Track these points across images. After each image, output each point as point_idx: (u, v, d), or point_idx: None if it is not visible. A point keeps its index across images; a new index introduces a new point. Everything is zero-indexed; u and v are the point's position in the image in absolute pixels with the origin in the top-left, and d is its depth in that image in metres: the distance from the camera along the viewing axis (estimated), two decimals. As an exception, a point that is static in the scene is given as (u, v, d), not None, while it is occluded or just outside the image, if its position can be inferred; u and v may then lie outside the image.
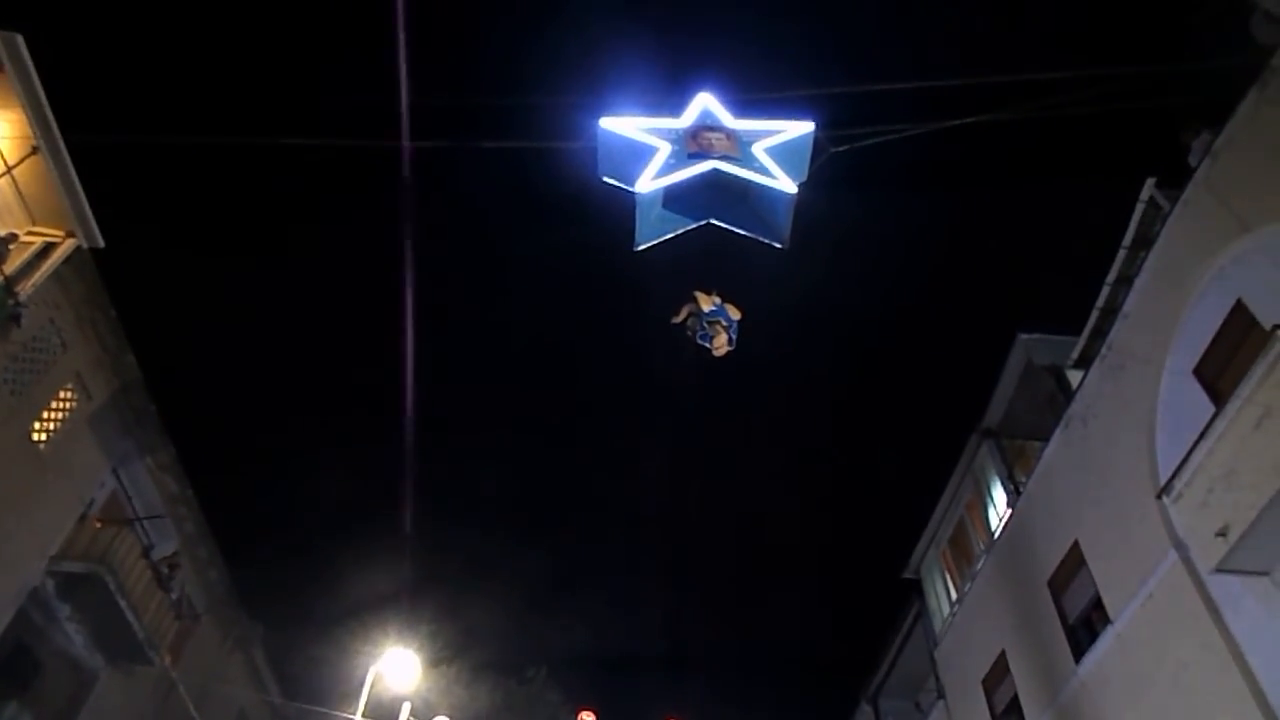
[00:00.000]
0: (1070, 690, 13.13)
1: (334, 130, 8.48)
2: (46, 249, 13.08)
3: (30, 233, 12.98)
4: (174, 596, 17.12)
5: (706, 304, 8.51)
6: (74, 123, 12.06)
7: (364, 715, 15.71)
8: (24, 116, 11.83)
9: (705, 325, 8.51)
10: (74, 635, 15.51)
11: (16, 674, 14.79)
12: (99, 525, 15.54)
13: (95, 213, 13.12)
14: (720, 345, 8.51)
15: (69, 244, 13.19)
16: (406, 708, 15.66)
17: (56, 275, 13.26)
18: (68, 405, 14.54)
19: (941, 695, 18.05)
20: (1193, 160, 11.40)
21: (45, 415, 14.12)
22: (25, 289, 12.60)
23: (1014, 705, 15.10)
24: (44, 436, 14.09)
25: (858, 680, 22.85)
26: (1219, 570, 9.61)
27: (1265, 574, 9.48)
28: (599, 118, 7.12)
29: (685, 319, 8.56)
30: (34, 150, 12.15)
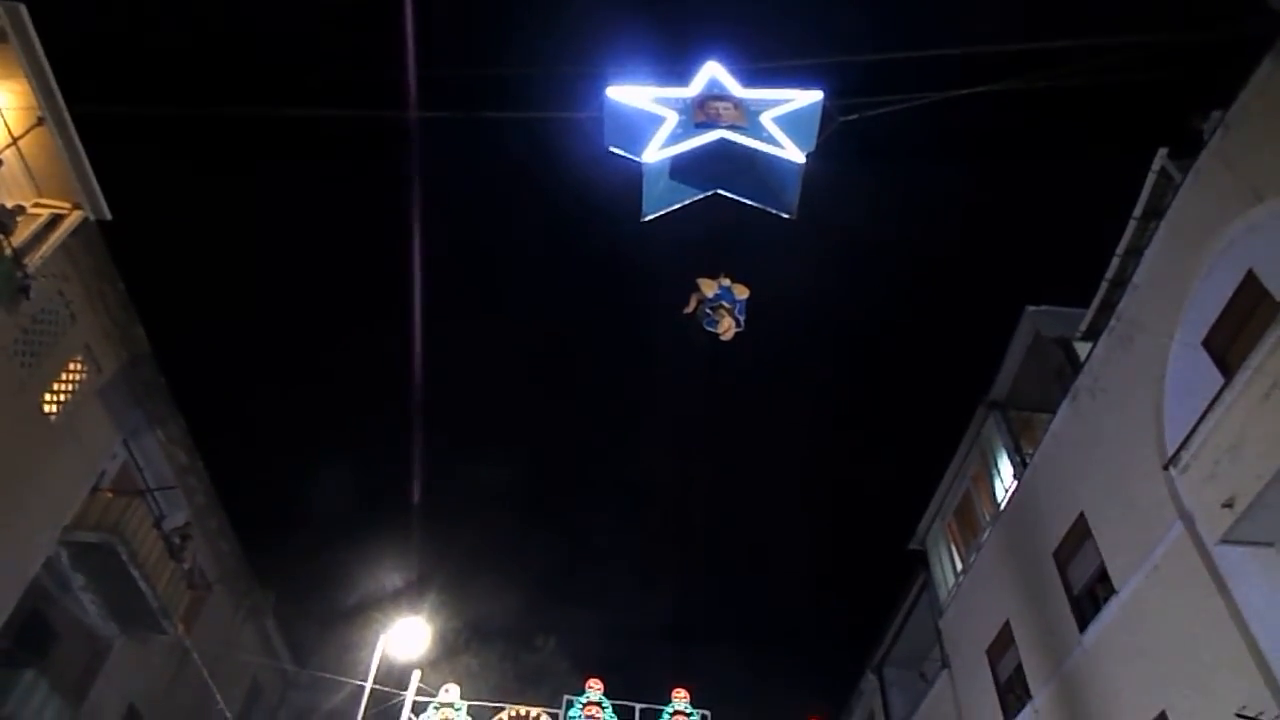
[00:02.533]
0: (1074, 660, 13.23)
1: (342, 101, 8.43)
2: (54, 221, 13.09)
3: (37, 204, 13.00)
4: (186, 566, 17.29)
5: (710, 289, 8.54)
6: (79, 94, 12.03)
7: (374, 683, 15.92)
8: (29, 87, 11.80)
9: (709, 311, 8.53)
10: (88, 605, 15.71)
11: (33, 642, 15.00)
12: (110, 496, 15.68)
13: (102, 184, 13.12)
14: (726, 329, 8.53)
15: (76, 216, 13.20)
16: (416, 676, 15.84)
17: (64, 247, 13.27)
18: (78, 377, 14.61)
19: (946, 665, 18.19)
20: (1206, 138, 11.28)
21: (55, 387, 14.20)
22: (33, 261, 12.63)
23: (1018, 674, 15.23)
24: (54, 408, 14.18)
25: (863, 650, 23.06)
26: (1225, 541, 9.65)
27: (1270, 545, 9.51)
28: (606, 87, 7.06)
29: (695, 309, 8.59)
30: (39, 121, 12.13)
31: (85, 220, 13.35)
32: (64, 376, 14.36)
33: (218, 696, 19.52)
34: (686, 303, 8.68)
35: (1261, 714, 9.01)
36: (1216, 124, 10.94)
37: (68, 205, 13.15)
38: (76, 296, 14.22)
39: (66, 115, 12.21)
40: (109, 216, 13.50)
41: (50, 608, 15.31)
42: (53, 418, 14.13)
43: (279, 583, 22.84)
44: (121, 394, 15.63)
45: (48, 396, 14.07)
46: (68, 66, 12.00)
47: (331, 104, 8.31)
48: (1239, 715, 9.15)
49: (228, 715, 20.19)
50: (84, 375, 14.74)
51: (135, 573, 15.22)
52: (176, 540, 17.02)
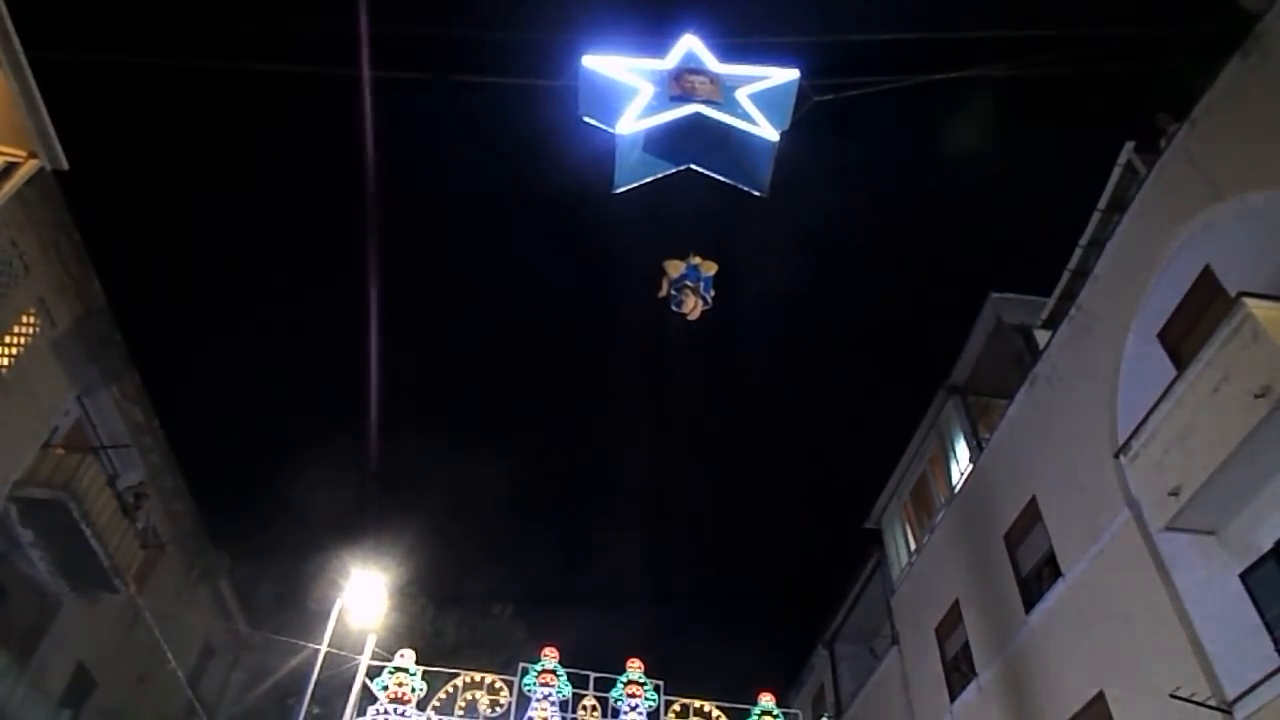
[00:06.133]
0: (1019, 639, 13.57)
1: (302, 57, 8.19)
2: (8, 169, 12.67)
3: (-9, 152, 12.58)
4: (140, 526, 17.06)
5: (675, 270, 8.60)
6: (37, 39, 11.63)
7: (330, 647, 15.85)
8: (-17, 30, 11.37)
9: (675, 291, 8.59)
10: (37, 561, 15.43)
11: (-22, 598, 14.75)
12: (62, 453, 15.37)
13: (59, 134, 12.73)
14: (692, 307, 8.59)
15: (31, 165, 12.77)
16: (371, 639, 15.78)
17: (19, 197, 12.88)
18: (31, 330, 14.26)
19: (895, 641, 18.56)
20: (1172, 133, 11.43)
21: (7, 340, 13.85)
22: (-14, 209, 12.26)
23: (965, 653, 15.59)
24: (6, 361, 13.85)
25: (816, 625, 23.45)
26: (1169, 528, 9.91)
27: (1212, 533, 9.79)
28: (581, 55, 6.99)
29: (668, 292, 8.65)
30: (-6, 65, 11.70)
31: (41, 170, 12.95)
32: (16, 329, 14.01)
33: (169, 656, 19.36)
34: (656, 275, 8.71)
35: (1194, 694, 9.34)
36: (1182, 125, 11.11)
37: (23, 153, 12.72)
38: (31, 248, 13.84)
39: (23, 59, 11.79)
40: (66, 166, 13.09)
41: (-3, 563, 15.04)
42: (3, 371, 13.81)
43: (234, 545, 22.60)
44: (76, 349, 15.29)
45: (-1, 349, 13.73)
46: (25, 8, 11.59)
47: (290, 59, 8.07)
48: (1174, 696, 9.47)
49: (179, 675, 20.05)
50: (37, 328, 14.39)
51: (87, 530, 14.99)
52: (130, 499, 16.76)
